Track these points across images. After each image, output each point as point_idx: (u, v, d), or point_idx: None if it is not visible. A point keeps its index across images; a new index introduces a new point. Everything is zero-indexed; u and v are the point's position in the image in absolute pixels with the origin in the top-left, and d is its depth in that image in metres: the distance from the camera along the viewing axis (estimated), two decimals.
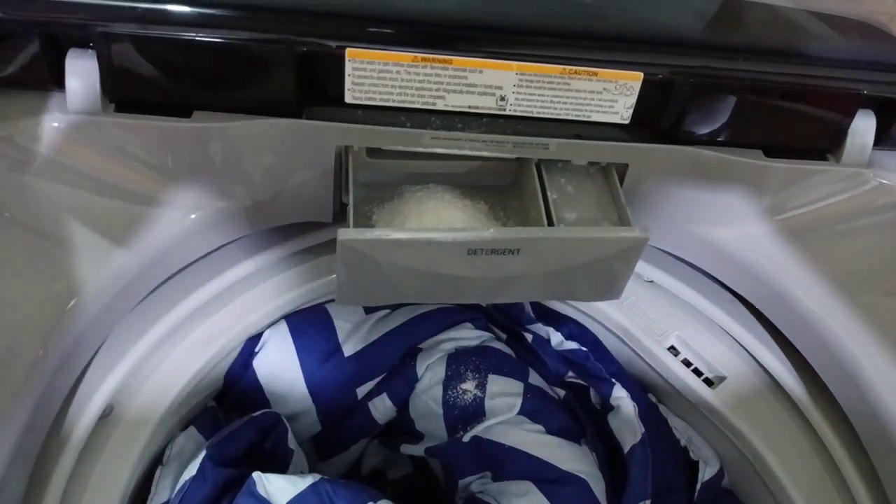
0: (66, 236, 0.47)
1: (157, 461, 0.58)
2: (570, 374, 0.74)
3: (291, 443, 0.64)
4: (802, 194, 0.58)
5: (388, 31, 0.49)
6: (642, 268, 0.69)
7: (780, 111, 0.55)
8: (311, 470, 0.67)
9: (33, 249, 0.47)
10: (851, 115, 0.56)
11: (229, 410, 0.66)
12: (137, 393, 0.56)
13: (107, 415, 0.54)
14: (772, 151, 0.57)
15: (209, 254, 0.58)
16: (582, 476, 0.64)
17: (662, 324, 0.70)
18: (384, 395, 0.70)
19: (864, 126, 0.57)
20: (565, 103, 0.53)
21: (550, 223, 0.53)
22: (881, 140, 0.58)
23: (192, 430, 0.61)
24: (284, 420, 0.63)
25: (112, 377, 0.53)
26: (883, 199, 0.58)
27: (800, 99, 0.55)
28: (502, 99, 0.52)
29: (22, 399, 0.42)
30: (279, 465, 0.62)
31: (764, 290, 0.59)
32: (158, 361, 0.58)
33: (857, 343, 0.53)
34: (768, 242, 0.59)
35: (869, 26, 0.61)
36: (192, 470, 0.55)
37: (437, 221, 0.54)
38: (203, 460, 0.55)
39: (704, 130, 0.55)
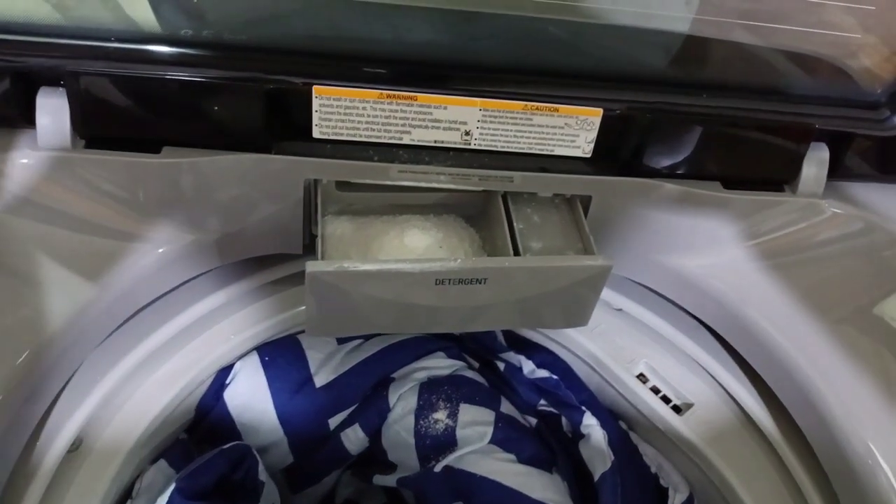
0: (35, 271, 0.48)
1: (126, 495, 0.58)
2: (542, 402, 0.74)
3: (262, 475, 0.63)
4: (761, 224, 0.60)
5: (354, 68, 0.51)
6: (611, 296, 0.70)
7: (736, 144, 0.57)
8: (283, 502, 0.67)
9: (1, 284, 0.47)
10: (805, 148, 0.58)
11: (201, 442, 0.66)
12: (107, 426, 0.56)
13: (75, 448, 0.54)
14: (730, 183, 0.58)
15: (180, 286, 0.58)
16: None
17: (631, 351, 0.71)
18: (356, 426, 0.70)
19: (817, 158, 0.59)
20: (528, 138, 0.54)
21: (517, 252, 0.54)
22: (834, 171, 0.60)
23: (162, 462, 0.61)
24: (255, 452, 0.63)
25: (81, 410, 0.53)
26: (837, 229, 0.60)
27: (755, 133, 0.57)
28: (467, 133, 0.53)
29: None
30: (250, 497, 0.62)
31: (726, 318, 0.61)
32: (128, 394, 0.58)
33: (817, 371, 0.54)
34: (729, 271, 0.60)
35: (823, 61, 0.63)
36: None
37: (406, 252, 0.55)
38: (172, 494, 0.55)
39: (664, 163, 0.57)
